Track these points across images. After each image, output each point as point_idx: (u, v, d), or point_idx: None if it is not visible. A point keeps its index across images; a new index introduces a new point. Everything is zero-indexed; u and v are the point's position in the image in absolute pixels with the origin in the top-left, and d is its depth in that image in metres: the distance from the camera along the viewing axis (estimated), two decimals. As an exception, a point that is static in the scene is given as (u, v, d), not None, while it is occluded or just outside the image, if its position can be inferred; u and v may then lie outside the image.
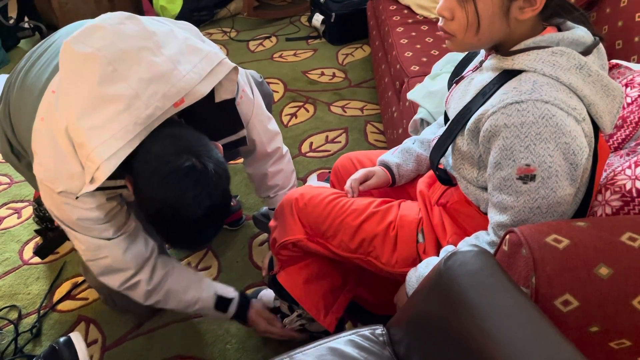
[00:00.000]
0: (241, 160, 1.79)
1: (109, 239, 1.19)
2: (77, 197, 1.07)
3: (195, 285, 1.37)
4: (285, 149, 1.57)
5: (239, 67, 1.34)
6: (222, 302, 1.40)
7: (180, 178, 0.99)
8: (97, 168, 0.98)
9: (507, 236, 0.81)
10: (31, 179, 1.37)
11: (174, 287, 1.33)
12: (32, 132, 1.10)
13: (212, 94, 1.14)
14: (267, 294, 1.55)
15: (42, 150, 1.09)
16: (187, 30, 1.22)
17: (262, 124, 1.44)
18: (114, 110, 0.99)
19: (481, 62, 1.02)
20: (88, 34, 1.05)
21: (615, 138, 1.12)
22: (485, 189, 1.00)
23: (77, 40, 1.04)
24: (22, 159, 1.30)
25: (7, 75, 1.32)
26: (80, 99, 1.01)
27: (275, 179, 1.55)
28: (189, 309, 1.38)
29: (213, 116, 1.19)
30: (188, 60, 1.07)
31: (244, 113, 1.34)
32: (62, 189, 1.08)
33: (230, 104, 1.23)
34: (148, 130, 1.02)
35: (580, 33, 0.90)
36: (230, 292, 1.44)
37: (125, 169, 1.02)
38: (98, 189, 1.03)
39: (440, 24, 0.94)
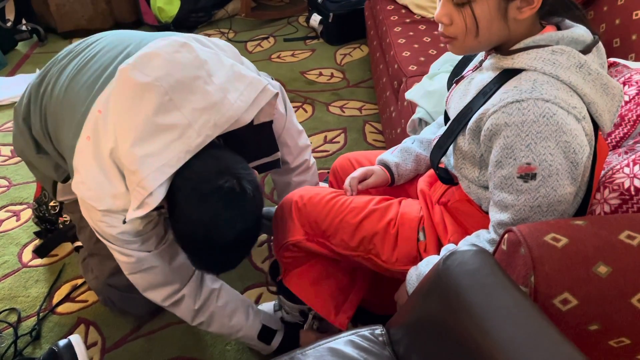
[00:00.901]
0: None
1: (150, 252, 1.18)
2: (124, 222, 1.09)
3: (242, 312, 1.35)
4: (312, 161, 1.58)
5: (274, 82, 1.37)
6: (266, 333, 1.38)
7: (218, 198, 1.02)
8: (150, 194, 1.01)
9: (506, 235, 0.81)
10: (45, 178, 1.37)
11: (219, 310, 1.31)
12: (76, 149, 1.10)
13: None
14: (265, 307, 1.54)
15: (86, 169, 1.09)
16: (227, 52, 1.25)
17: (292, 139, 1.46)
18: (167, 139, 1.02)
19: (481, 62, 1.02)
20: (145, 62, 1.06)
21: (613, 136, 1.12)
22: (486, 188, 1.00)
23: (134, 68, 1.05)
24: (49, 160, 1.30)
25: (28, 75, 1.32)
26: (135, 127, 1.02)
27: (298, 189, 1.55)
28: (231, 336, 1.35)
29: (250, 138, 1.21)
30: (235, 87, 1.11)
31: (276, 128, 1.37)
32: (105, 207, 1.08)
33: (268, 126, 1.25)
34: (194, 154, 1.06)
35: (580, 32, 0.90)
36: (277, 323, 1.42)
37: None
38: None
39: (440, 29, 0.95)
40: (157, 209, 1.11)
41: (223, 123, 1.07)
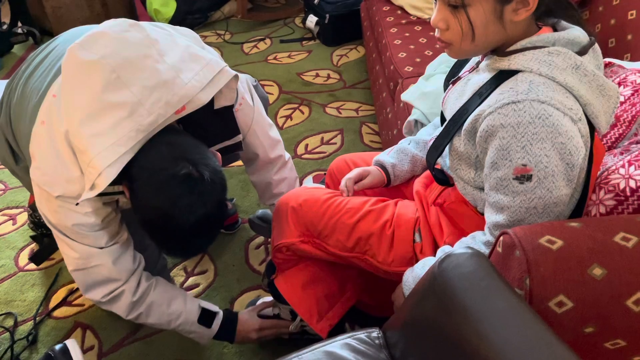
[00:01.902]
0: (238, 163, 1.79)
1: (101, 248, 1.18)
2: (77, 204, 1.07)
3: (179, 299, 1.34)
4: (287, 156, 1.57)
5: (239, 74, 1.35)
6: (206, 316, 1.37)
7: (175, 185, 1.00)
8: (99, 174, 0.99)
9: (501, 238, 0.81)
10: (28, 184, 1.36)
11: (157, 299, 1.30)
12: (32, 135, 1.09)
13: (211, 100, 1.15)
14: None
15: (41, 154, 1.09)
16: (187, 37, 1.22)
17: (263, 131, 1.44)
18: (116, 117, 1.00)
19: (477, 63, 1.02)
20: (92, 41, 1.05)
21: (608, 137, 1.12)
22: (482, 189, 1.00)
23: (81, 47, 1.04)
24: (20, 162, 1.30)
25: (6, 81, 1.31)
26: (83, 106, 1.01)
27: (280, 187, 1.55)
28: (171, 324, 1.33)
29: (211, 122, 1.20)
30: (190, 68, 1.09)
31: (244, 120, 1.35)
32: (59, 193, 1.07)
33: (228, 110, 1.24)
34: (148, 136, 1.03)
35: (576, 33, 0.90)
36: (214, 307, 1.41)
37: (122, 175, 1.02)
38: None
39: (436, 34, 0.95)
40: (116, 193, 1.11)
41: (176, 102, 1.05)
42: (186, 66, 1.08)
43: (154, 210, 1.01)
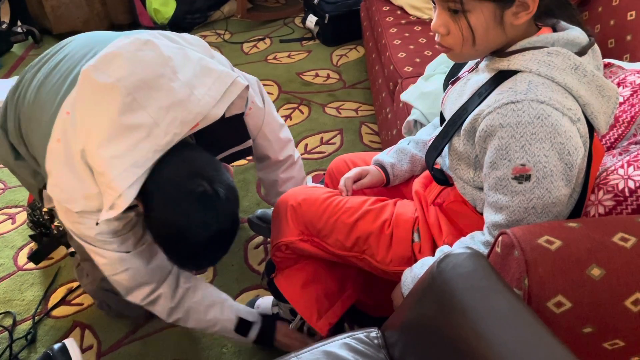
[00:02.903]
0: (239, 162, 1.79)
1: (128, 252, 1.18)
2: (97, 223, 1.09)
3: (218, 306, 1.35)
4: (297, 155, 1.58)
5: (249, 76, 1.37)
6: (242, 326, 1.38)
7: (191, 202, 1.03)
8: (119, 196, 1.01)
9: (500, 238, 0.81)
10: (30, 185, 1.36)
11: (195, 306, 1.31)
12: (47, 151, 1.10)
13: None
14: (264, 302, 1.54)
15: (58, 172, 1.09)
16: (196, 46, 1.23)
17: (273, 133, 1.45)
18: (134, 139, 1.02)
19: (477, 63, 1.02)
20: (107, 62, 1.06)
21: (607, 137, 1.12)
22: (481, 189, 1.00)
23: (96, 69, 1.05)
24: (20, 159, 1.30)
25: (6, 80, 1.31)
26: (100, 129, 1.02)
27: (286, 185, 1.55)
28: (208, 330, 1.36)
29: (222, 129, 1.21)
30: (203, 82, 1.10)
31: (254, 123, 1.37)
32: (79, 209, 1.08)
33: (239, 117, 1.25)
34: (163, 153, 1.05)
35: (576, 33, 0.90)
36: (253, 315, 1.42)
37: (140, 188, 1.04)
38: None
39: (437, 39, 0.95)
40: (132, 207, 1.11)
41: (190, 120, 1.07)
42: (199, 81, 1.10)
43: (169, 226, 1.04)
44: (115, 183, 1.00)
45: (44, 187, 1.29)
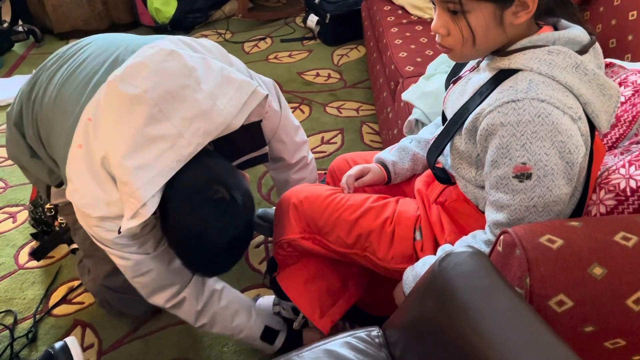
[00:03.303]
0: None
1: (148, 254, 1.18)
2: (119, 233, 1.09)
3: (244, 313, 1.35)
4: (310, 156, 1.58)
5: (265, 78, 1.38)
6: (268, 333, 1.38)
7: (210, 208, 1.04)
8: (143, 205, 1.01)
9: (501, 237, 0.81)
10: (37, 180, 1.36)
11: (221, 312, 1.31)
12: (69, 157, 1.10)
13: None
14: (265, 301, 1.54)
15: (78, 178, 1.09)
16: (217, 53, 1.24)
17: (288, 135, 1.46)
18: (159, 150, 1.03)
19: (478, 62, 1.03)
20: (133, 73, 1.07)
21: (609, 137, 1.12)
22: (483, 187, 1.00)
23: (122, 80, 1.06)
24: (36, 157, 1.30)
25: (25, 76, 1.30)
26: (125, 139, 1.03)
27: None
28: (234, 337, 1.36)
29: (239, 136, 1.21)
30: (224, 92, 1.12)
31: (270, 126, 1.37)
32: (99, 214, 1.08)
33: (257, 124, 1.27)
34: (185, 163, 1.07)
35: (577, 32, 0.90)
36: (279, 323, 1.42)
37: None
38: None
39: (437, 39, 0.95)
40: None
41: (213, 130, 1.08)
42: (221, 91, 1.11)
43: (187, 232, 1.05)
44: (140, 193, 1.01)
45: (57, 185, 1.30)
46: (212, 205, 1.04)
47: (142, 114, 1.03)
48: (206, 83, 1.10)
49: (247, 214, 1.09)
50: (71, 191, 1.10)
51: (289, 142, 1.47)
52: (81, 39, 1.29)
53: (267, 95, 1.19)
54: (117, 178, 1.04)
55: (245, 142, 1.27)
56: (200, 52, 1.20)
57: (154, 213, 1.08)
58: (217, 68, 1.15)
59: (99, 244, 1.17)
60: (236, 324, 1.33)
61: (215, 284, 1.33)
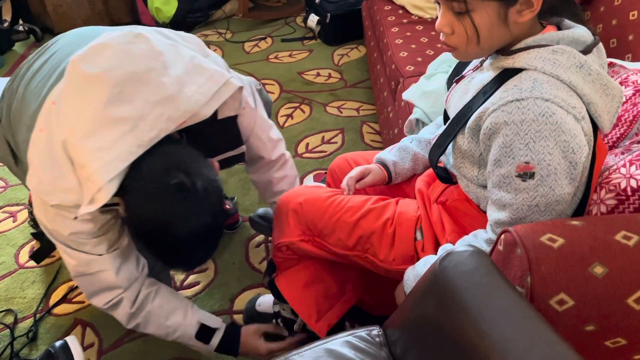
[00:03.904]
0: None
1: (100, 255, 1.16)
2: (75, 218, 1.06)
3: (179, 313, 1.31)
4: (288, 154, 1.57)
5: (243, 77, 1.34)
6: (204, 332, 1.34)
7: (168, 195, 0.98)
8: (99, 189, 0.98)
9: (502, 236, 0.81)
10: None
11: (155, 310, 1.28)
12: (30, 142, 1.07)
13: (215, 110, 1.14)
14: (266, 300, 1.54)
15: (38, 162, 1.06)
16: (193, 44, 1.21)
17: (265, 133, 1.44)
18: (118, 132, 0.99)
19: (482, 62, 1.03)
20: (96, 53, 1.04)
21: (610, 136, 1.12)
22: (485, 187, 1.00)
23: (84, 59, 1.03)
24: (19, 164, 1.28)
25: (7, 79, 1.30)
26: (85, 120, 1.00)
27: (281, 184, 1.54)
28: (169, 336, 1.32)
29: (214, 132, 1.19)
30: (194, 80, 1.08)
31: (247, 123, 1.35)
32: (56, 202, 1.05)
33: (233, 120, 1.23)
34: (147, 149, 1.02)
35: (581, 32, 0.90)
36: (216, 322, 1.38)
37: (118, 187, 1.01)
38: None
39: (442, 38, 0.95)
40: (111, 208, 1.08)
41: (178, 117, 1.04)
42: (190, 79, 1.07)
43: (148, 222, 1.00)
44: (97, 176, 0.97)
45: None
46: (171, 191, 0.98)
47: (101, 94, 1.00)
48: (174, 69, 1.07)
49: (211, 201, 1.03)
50: (30, 176, 1.07)
51: (266, 139, 1.44)
52: (59, 35, 1.28)
53: (241, 88, 1.16)
54: (75, 161, 1.00)
55: (222, 139, 1.24)
56: (175, 40, 1.16)
57: (111, 209, 1.05)
58: (188, 55, 1.11)
59: (52, 240, 1.15)
60: (170, 322, 1.30)
61: (152, 285, 1.30)
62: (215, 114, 1.15)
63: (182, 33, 1.23)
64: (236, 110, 1.21)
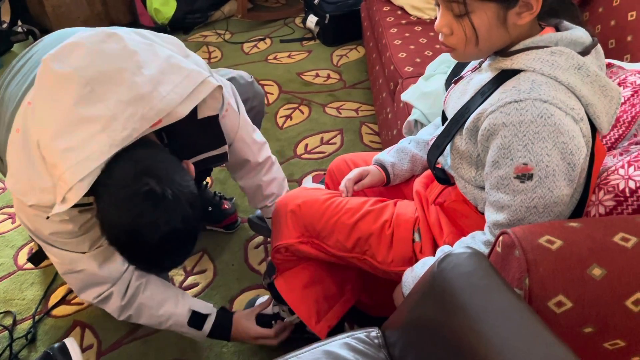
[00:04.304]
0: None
1: (83, 253, 1.16)
2: (47, 218, 1.05)
3: (170, 302, 1.32)
4: (273, 157, 1.56)
5: (225, 80, 1.33)
6: (196, 318, 1.35)
7: (138, 202, 0.97)
8: (70, 189, 0.97)
9: (500, 237, 0.81)
10: None
11: (146, 301, 1.29)
12: (8, 143, 1.08)
13: (195, 110, 1.13)
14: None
15: (16, 162, 1.06)
16: (172, 44, 1.20)
17: (249, 136, 1.43)
18: (89, 132, 0.98)
19: (480, 63, 1.03)
20: (67, 52, 1.03)
21: (608, 138, 1.12)
22: (483, 188, 1.00)
23: (55, 59, 1.02)
24: (2, 166, 1.29)
25: None
26: (55, 119, 0.99)
27: (270, 187, 1.53)
28: (162, 325, 1.33)
29: (196, 132, 1.18)
30: (169, 80, 1.06)
31: (231, 126, 1.34)
32: (33, 202, 1.05)
33: (214, 120, 1.21)
34: (120, 149, 1.01)
35: (579, 33, 0.90)
36: (207, 308, 1.38)
37: (92, 188, 1.00)
38: None
39: (440, 38, 0.95)
40: (88, 208, 1.08)
41: (152, 116, 1.02)
42: (165, 78, 1.06)
43: (118, 228, 0.99)
44: (67, 175, 0.96)
45: None
46: (141, 198, 0.97)
47: (72, 93, 0.99)
48: (148, 68, 1.05)
49: (182, 208, 1.00)
50: (8, 177, 1.08)
51: (251, 142, 1.43)
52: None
53: (220, 86, 1.15)
54: (47, 161, 1.00)
55: (203, 138, 1.23)
56: (152, 40, 1.15)
57: (88, 208, 1.06)
58: (163, 55, 1.10)
59: (35, 239, 1.15)
60: (162, 312, 1.31)
61: (142, 276, 1.30)
62: (195, 113, 1.14)
63: (162, 34, 1.22)
64: (216, 110, 1.20)
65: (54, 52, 1.03)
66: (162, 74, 1.06)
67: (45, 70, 1.02)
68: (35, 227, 1.11)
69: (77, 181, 0.96)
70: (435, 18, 0.94)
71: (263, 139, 1.51)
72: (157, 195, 0.98)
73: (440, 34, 0.95)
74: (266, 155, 1.51)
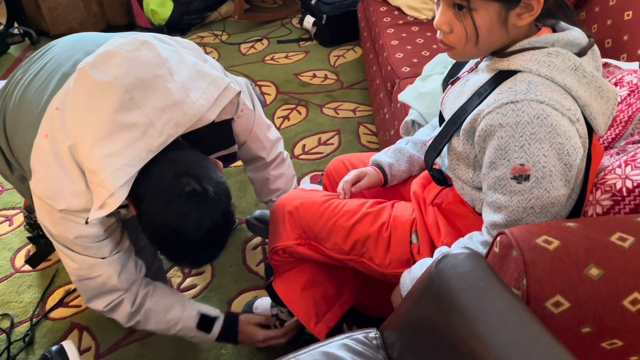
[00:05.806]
0: (237, 163, 1.79)
1: (104, 258, 1.18)
2: (86, 222, 1.08)
3: (178, 306, 1.33)
4: (285, 153, 1.58)
5: (239, 78, 1.37)
6: (205, 321, 1.36)
7: (181, 202, 1.02)
8: (111, 195, 1.00)
9: (498, 238, 0.81)
10: (23, 192, 1.35)
11: (154, 307, 1.30)
12: (33, 148, 1.08)
13: None
14: (263, 303, 1.54)
15: (44, 167, 1.08)
16: (191, 49, 1.24)
17: (263, 133, 1.46)
18: (129, 138, 1.02)
19: (477, 63, 1.02)
20: (104, 60, 1.06)
21: (605, 137, 1.12)
22: (480, 189, 1.00)
23: (93, 67, 1.05)
24: (14, 171, 1.29)
25: (3, 82, 1.29)
26: (95, 126, 1.02)
27: (277, 182, 1.55)
28: (170, 330, 1.34)
29: (209, 133, 1.20)
30: (197, 86, 1.11)
31: (246, 124, 1.37)
32: (63, 206, 1.07)
33: (227, 122, 1.26)
34: (156, 154, 1.05)
35: (576, 34, 0.90)
36: (215, 311, 1.40)
37: (130, 192, 1.03)
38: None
39: (439, 37, 0.94)
40: (115, 211, 1.10)
41: (185, 122, 1.07)
42: (194, 84, 1.10)
43: (163, 228, 1.03)
44: (108, 182, 1.00)
45: None
46: (184, 199, 1.02)
47: (112, 101, 1.02)
48: (179, 75, 1.09)
49: (222, 203, 1.06)
50: (35, 182, 1.09)
51: (265, 140, 1.47)
52: (52, 41, 1.29)
53: (239, 92, 1.19)
54: (85, 167, 1.03)
55: (215, 139, 1.26)
56: (174, 46, 1.19)
57: (115, 212, 1.07)
58: (190, 62, 1.14)
59: (56, 244, 1.16)
60: (170, 317, 1.32)
61: (148, 284, 1.32)
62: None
63: (179, 39, 1.25)
64: (232, 113, 1.24)
65: (90, 61, 1.06)
66: (191, 80, 1.11)
67: (82, 77, 1.05)
68: (60, 231, 1.12)
69: (118, 187, 1.00)
70: (433, 18, 0.94)
71: (277, 135, 1.54)
72: (199, 194, 1.03)
73: (438, 32, 0.94)
74: (278, 151, 1.54)
